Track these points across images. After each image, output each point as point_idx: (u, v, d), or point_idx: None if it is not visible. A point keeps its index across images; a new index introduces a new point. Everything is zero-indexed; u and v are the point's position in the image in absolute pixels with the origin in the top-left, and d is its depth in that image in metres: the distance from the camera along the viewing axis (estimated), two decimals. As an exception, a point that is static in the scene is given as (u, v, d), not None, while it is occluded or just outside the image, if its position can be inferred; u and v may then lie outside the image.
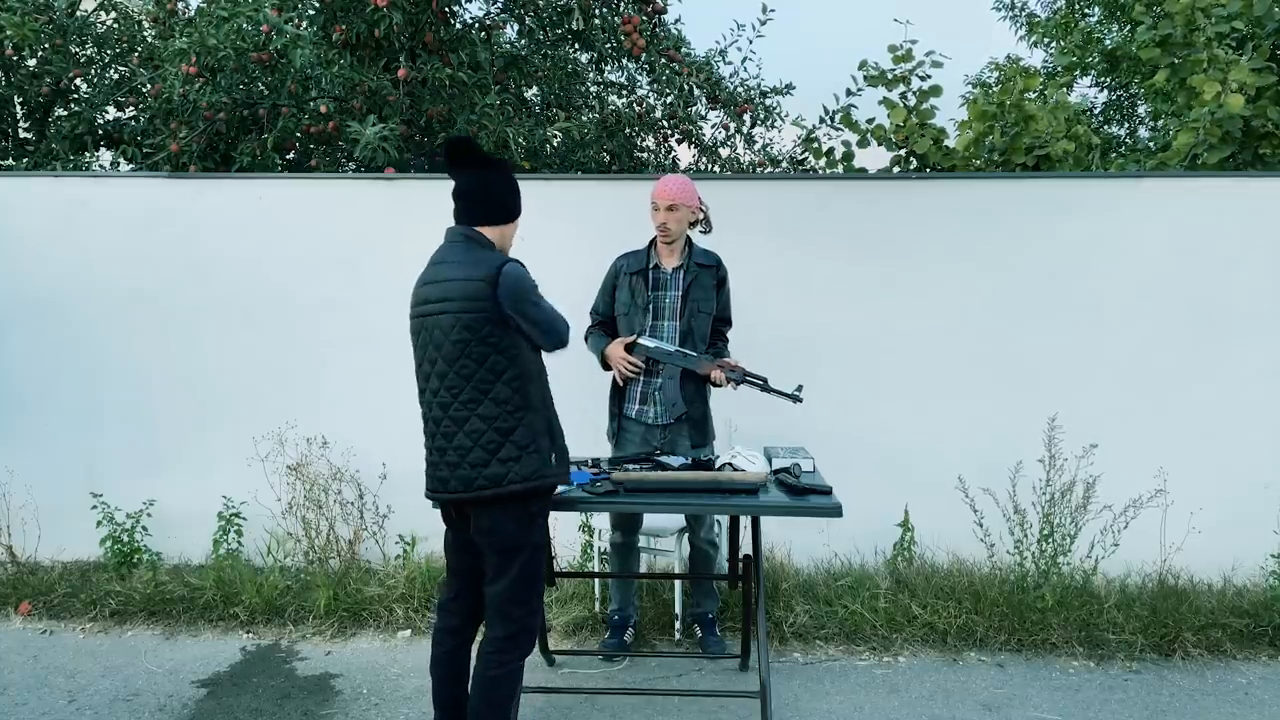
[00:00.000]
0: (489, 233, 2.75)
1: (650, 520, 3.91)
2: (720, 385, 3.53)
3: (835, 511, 2.90)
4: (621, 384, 3.64)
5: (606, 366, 3.67)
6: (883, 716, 3.34)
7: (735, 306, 3.78)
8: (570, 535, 4.53)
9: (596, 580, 4.16)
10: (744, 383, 3.46)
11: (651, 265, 3.63)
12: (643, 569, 4.25)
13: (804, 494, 3.00)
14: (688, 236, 3.66)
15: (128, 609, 4.21)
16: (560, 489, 2.93)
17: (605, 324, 3.72)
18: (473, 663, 2.76)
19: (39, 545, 4.71)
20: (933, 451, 4.40)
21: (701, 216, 3.66)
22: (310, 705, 3.43)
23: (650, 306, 3.61)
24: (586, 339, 3.73)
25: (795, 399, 3.42)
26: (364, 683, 3.62)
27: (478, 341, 2.61)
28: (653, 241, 3.66)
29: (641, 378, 3.61)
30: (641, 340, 3.54)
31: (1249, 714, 3.38)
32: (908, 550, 4.44)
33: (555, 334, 2.74)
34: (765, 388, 3.44)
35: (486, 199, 2.74)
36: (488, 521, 2.68)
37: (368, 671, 3.71)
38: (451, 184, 2.79)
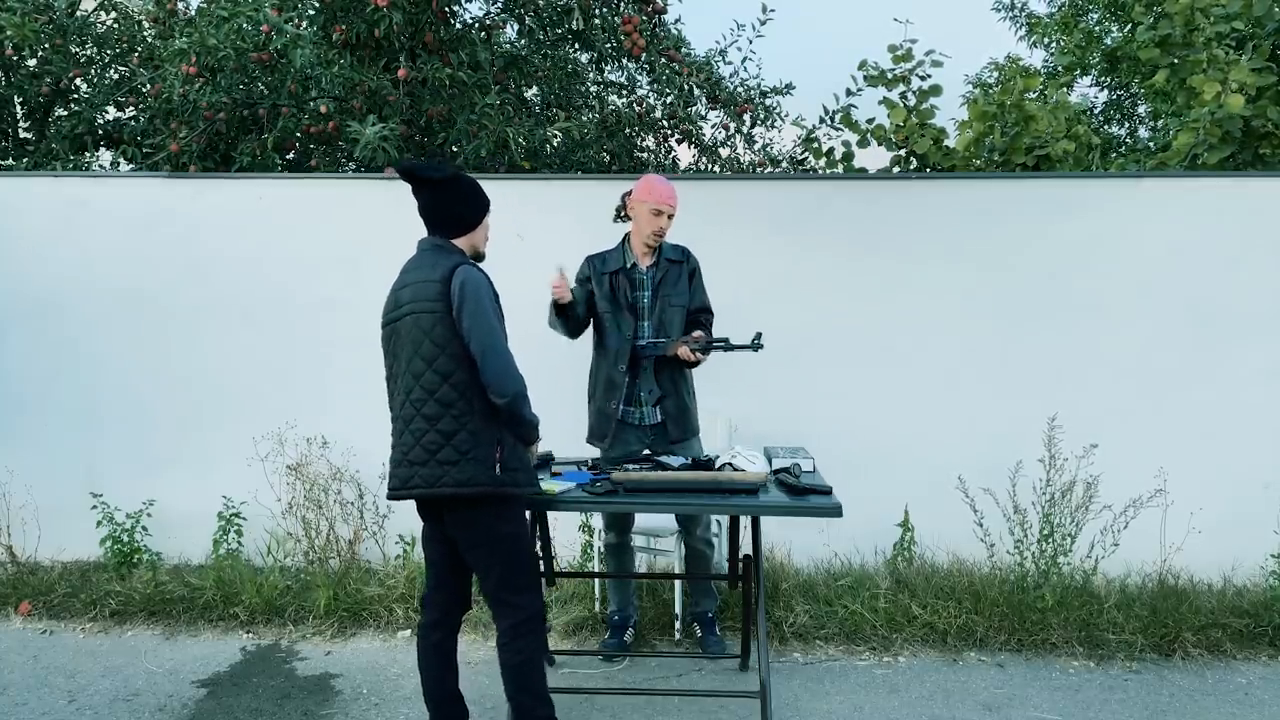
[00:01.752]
0: (457, 242, 2.83)
1: (649, 520, 3.92)
2: (690, 360, 3.50)
3: (835, 511, 2.90)
4: (624, 377, 3.60)
5: (562, 313, 3.48)
6: (883, 716, 3.34)
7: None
8: (570, 535, 4.53)
9: (596, 580, 4.16)
10: (710, 349, 3.44)
11: (630, 265, 3.64)
12: (642, 569, 4.26)
13: (804, 494, 3.00)
14: None
15: (128, 609, 4.21)
16: (560, 489, 2.94)
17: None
18: (463, 656, 2.84)
19: (39, 545, 4.71)
20: (933, 451, 4.40)
21: None
22: (310, 705, 3.44)
23: (633, 306, 3.62)
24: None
25: (756, 347, 3.40)
26: (364, 683, 3.62)
27: (429, 342, 2.66)
28: (625, 241, 3.67)
29: (626, 378, 3.61)
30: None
31: (1249, 714, 3.38)
32: (908, 550, 4.44)
33: (497, 364, 2.64)
34: (728, 347, 3.44)
35: (441, 215, 2.82)
36: (455, 519, 2.73)
37: (368, 671, 3.72)
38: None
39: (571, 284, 3.50)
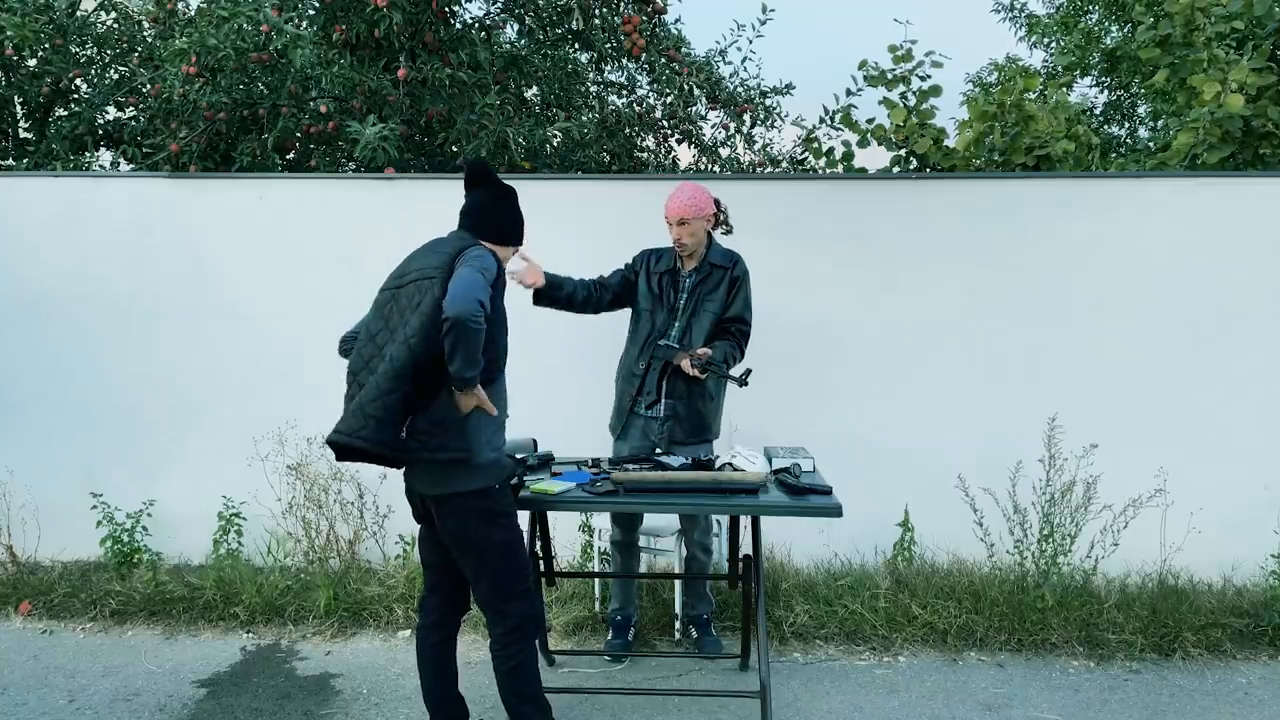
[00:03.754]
0: (485, 245, 2.81)
1: (650, 520, 3.92)
2: (689, 373, 3.45)
3: (835, 511, 2.91)
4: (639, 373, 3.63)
5: (543, 299, 3.60)
6: (883, 716, 3.34)
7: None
8: (570, 535, 4.53)
9: (596, 580, 4.16)
10: (707, 370, 3.42)
11: (676, 267, 3.66)
12: (643, 569, 4.26)
13: (804, 494, 3.01)
14: (709, 235, 3.67)
15: (128, 609, 4.21)
16: (561, 487, 2.94)
17: (592, 284, 3.66)
18: (463, 656, 2.84)
19: (39, 545, 4.71)
20: (933, 451, 4.40)
21: (722, 219, 3.68)
22: (310, 705, 3.44)
23: (670, 307, 3.63)
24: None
25: (742, 383, 3.35)
26: (364, 683, 3.62)
27: (410, 309, 2.58)
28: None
29: (643, 372, 3.62)
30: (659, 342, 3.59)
31: (1249, 714, 3.38)
32: (908, 550, 4.44)
33: (462, 295, 2.45)
34: (719, 373, 3.42)
35: (483, 217, 2.83)
36: (445, 523, 2.71)
37: (368, 671, 3.72)
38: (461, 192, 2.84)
39: (541, 269, 3.53)
